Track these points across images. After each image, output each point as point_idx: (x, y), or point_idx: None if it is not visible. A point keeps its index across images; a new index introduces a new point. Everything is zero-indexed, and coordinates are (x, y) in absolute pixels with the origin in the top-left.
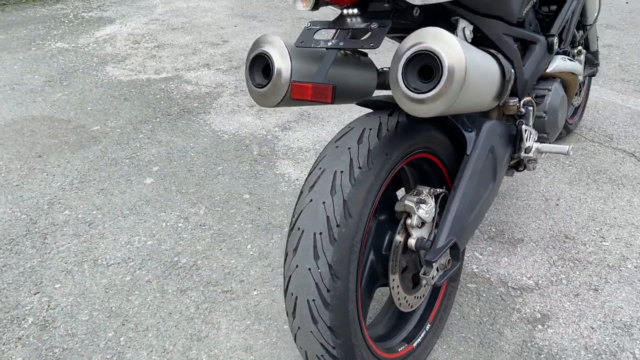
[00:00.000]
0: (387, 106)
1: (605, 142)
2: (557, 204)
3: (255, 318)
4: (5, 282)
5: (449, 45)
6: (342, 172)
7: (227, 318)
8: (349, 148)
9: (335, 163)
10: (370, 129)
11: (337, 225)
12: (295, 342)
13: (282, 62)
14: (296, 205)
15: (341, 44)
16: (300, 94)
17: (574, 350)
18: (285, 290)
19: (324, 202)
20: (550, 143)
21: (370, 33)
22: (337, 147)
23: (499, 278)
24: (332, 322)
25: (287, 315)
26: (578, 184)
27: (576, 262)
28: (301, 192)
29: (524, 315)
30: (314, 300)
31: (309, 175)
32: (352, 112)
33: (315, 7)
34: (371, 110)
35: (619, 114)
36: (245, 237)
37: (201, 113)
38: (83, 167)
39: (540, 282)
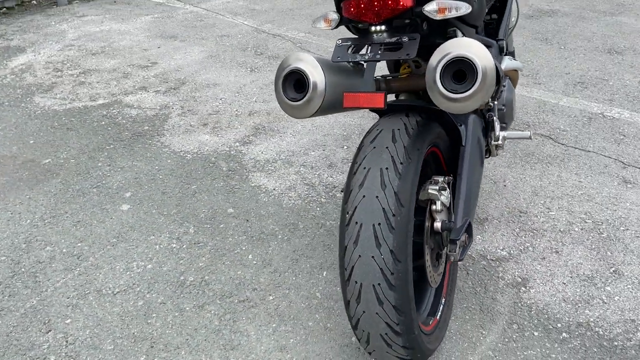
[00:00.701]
0: (398, 109)
1: (525, 128)
2: (505, 185)
3: (279, 320)
4: (10, 325)
5: (481, 53)
6: (387, 168)
7: (253, 324)
8: (387, 147)
9: (378, 161)
10: (399, 129)
11: (393, 215)
12: (357, 327)
13: (317, 76)
14: (346, 202)
15: (378, 56)
16: (353, 102)
17: (556, 304)
18: (348, 280)
19: (377, 196)
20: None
21: (403, 45)
22: (374, 147)
23: (479, 253)
24: (396, 301)
25: (348, 303)
26: (515, 166)
27: (535, 231)
28: (350, 190)
29: (508, 281)
30: (379, 284)
31: (353, 175)
32: (305, 122)
33: (336, 26)
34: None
35: (528, 104)
36: (243, 248)
37: (155, 136)
38: (49, 201)
39: (512, 252)
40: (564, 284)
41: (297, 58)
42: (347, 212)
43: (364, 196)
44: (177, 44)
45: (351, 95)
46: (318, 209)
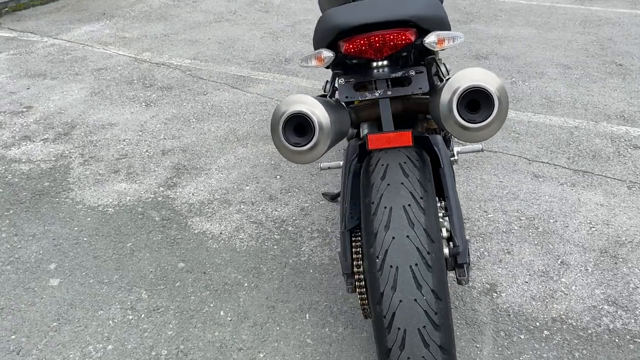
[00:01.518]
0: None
1: None
2: None
3: None
4: None
5: (495, 81)
6: (409, 205)
7: None
8: (402, 183)
9: (398, 199)
10: (405, 162)
11: (428, 253)
12: None
13: (321, 118)
14: (372, 246)
15: (389, 92)
16: (380, 144)
17: (527, 302)
18: (388, 328)
19: (407, 236)
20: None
21: (412, 79)
22: (388, 184)
23: None
24: (442, 341)
25: (389, 351)
26: None
27: (483, 235)
28: (374, 232)
29: (480, 290)
30: (424, 326)
31: (373, 215)
32: (228, 155)
33: (329, 64)
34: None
35: None
36: (211, 305)
37: (61, 192)
38: None
39: (472, 259)
40: (527, 282)
41: (295, 100)
42: (377, 257)
43: (393, 237)
44: (49, 83)
45: (376, 137)
46: (275, 247)
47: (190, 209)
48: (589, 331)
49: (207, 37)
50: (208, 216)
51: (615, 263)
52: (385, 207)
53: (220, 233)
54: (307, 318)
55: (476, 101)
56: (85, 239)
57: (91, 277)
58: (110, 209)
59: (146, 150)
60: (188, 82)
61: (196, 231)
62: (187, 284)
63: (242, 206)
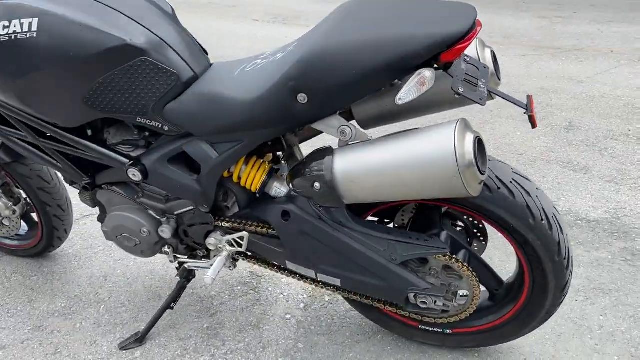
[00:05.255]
0: None
1: None
2: None
3: None
4: None
5: None
6: (514, 174)
7: None
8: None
9: (505, 173)
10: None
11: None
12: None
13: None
14: (530, 217)
15: (485, 80)
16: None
17: None
18: (568, 264)
19: (537, 196)
20: None
21: (478, 67)
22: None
23: None
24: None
25: (569, 280)
26: None
27: None
28: (523, 205)
29: None
30: (570, 244)
31: (510, 199)
32: None
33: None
34: None
35: None
36: None
37: None
38: None
39: None
40: None
41: (465, 125)
42: (542, 219)
43: (537, 196)
44: None
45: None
46: None
47: None
48: None
49: None
50: None
51: None
52: (509, 183)
53: None
54: None
55: None
56: None
57: None
58: None
59: None
60: None
61: None
62: None
63: None
